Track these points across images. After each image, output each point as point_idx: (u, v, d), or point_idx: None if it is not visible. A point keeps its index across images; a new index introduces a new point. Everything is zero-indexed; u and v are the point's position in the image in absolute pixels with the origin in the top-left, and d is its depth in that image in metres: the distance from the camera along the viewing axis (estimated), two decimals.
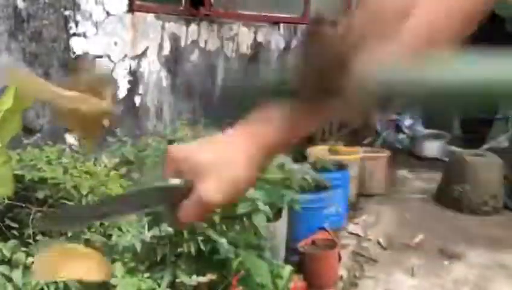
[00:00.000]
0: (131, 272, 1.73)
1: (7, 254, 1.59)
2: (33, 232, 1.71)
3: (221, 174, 0.56)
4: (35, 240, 1.69)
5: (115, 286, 1.65)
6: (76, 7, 2.39)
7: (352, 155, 4.27)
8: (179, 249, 1.94)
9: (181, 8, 3.17)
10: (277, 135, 0.57)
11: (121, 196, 0.56)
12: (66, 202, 1.77)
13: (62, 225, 0.58)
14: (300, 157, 3.85)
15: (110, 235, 1.72)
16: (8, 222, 1.72)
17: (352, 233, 3.75)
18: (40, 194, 1.78)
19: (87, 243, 1.72)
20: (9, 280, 1.54)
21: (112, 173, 1.91)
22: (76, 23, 2.40)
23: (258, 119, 0.58)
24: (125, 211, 0.62)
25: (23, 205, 1.77)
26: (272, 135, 0.57)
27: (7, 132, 1.00)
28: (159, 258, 1.94)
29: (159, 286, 1.77)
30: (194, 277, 1.83)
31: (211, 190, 0.56)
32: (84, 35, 2.44)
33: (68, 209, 0.59)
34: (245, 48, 3.73)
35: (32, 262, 1.58)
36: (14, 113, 1.00)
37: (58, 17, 2.32)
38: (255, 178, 0.59)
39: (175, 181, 0.58)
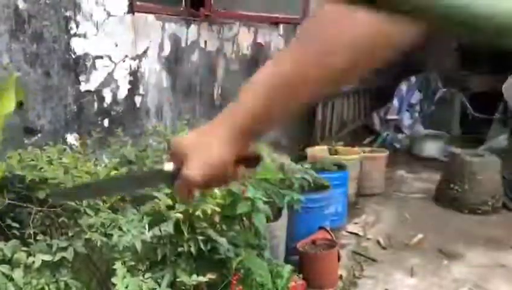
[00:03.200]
0: (131, 271, 1.74)
1: (8, 253, 1.60)
2: (34, 232, 1.72)
3: (199, 156, 0.67)
4: (36, 240, 1.69)
5: (115, 285, 1.66)
6: (77, 8, 2.40)
7: (352, 155, 4.28)
8: (179, 249, 1.95)
9: (181, 9, 3.18)
10: (247, 118, 0.66)
11: (125, 176, 0.75)
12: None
13: (72, 198, 0.72)
14: (300, 157, 3.86)
15: (110, 235, 1.73)
16: (9, 221, 1.73)
17: (351, 233, 3.76)
18: (41, 194, 1.78)
19: (88, 242, 1.73)
20: (10, 279, 1.55)
21: (113, 173, 1.92)
22: (77, 24, 2.41)
23: (233, 106, 0.68)
24: (128, 189, 0.87)
25: (24, 205, 1.77)
26: (242, 118, 0.66)
27: None
28: (159, 258, 1.95)
29: (159, 285, 1.78)
30: (194, 276, 1.84)
31: (191, 169, 0.68)
32: (85, 36, 2.45)
33: (77, 186, 0.74)
34: (245, 49, 3.74)
35: (33, 262, 1.59)
36: None
37: (59, 17, 2.33)
38: (229, 159, 0.68)
39: (169, 166, 0.71)
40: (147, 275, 1.76)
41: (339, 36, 0.62)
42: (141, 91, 2.87)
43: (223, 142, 0.67)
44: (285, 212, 2.80)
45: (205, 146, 0.67)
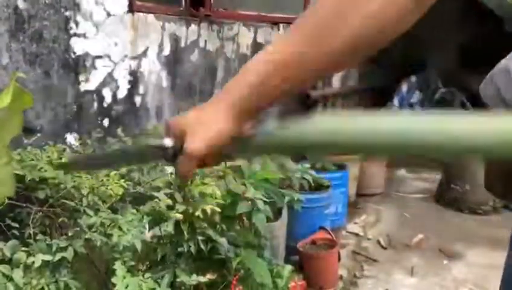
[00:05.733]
0: (131, 271, 1.74)
1: (8, 253, 1.60)
2: (33, 232, 1.71)
3: (200, 130, 0.68)
4: (36, 240, 1.69)
5: (115, 285, 1.66)
6: (76, 7, 2.40)
7: (352, 155, 4.27)
8: (179, 249, 1.95)
9: (181, 9, 3.18)
10: (246, 94, 0.68)
11: (124, 149, 0.74)
12: (66, 202, 1.78)
13: (80, 168, 0.76)
14: (300, 157, 3.86)
15: (110, 235, 1.73)
16: (8, 221, 1.73)
17: (352, 233, 3.76)
18: (41, 194, 1.78)
19: (88, 242, 1.73)
20: (10, 279, 1.54)
21: (112, 173, 1.92)
22: (77, 24, 2.41)
23: (232, 82, 0.70)
24: (127, 162, 0.86)
25: (24, 205, 1.77)
26: (241, 94, 0.68)
27: (8, 132, 0.99)
28: (159, 258, 1.95)
29: (159, 285, 1.78)
30: (194, 276, 1.84)
31: (194, 142, 0.67)
32: (85, 36, 2.45)
33: (85, 156, 0.75)
34: (245, 48, 3.74)
35: (33, 262, 1.59)
36: (15, 112, 0.99)
37: (59, 17, 2.32)
38: (231, 131, 0.68)
39: (169, 142, 0.70)
40: (147, 275, 1.76)
41: (339, 14, 0.63)
42: (141, 91, 2.87)
43: (223, 117, 0.68)
44: (285, 212, 2.80)
45: (206, 121, 0.68)
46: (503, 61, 0.96)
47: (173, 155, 0.70)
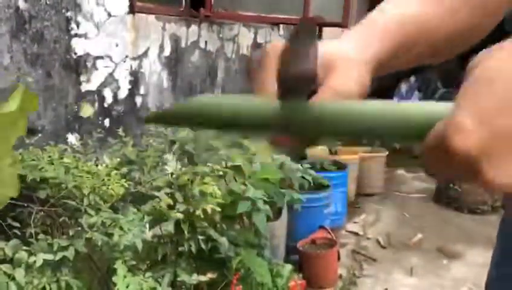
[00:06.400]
0: (132, 271, 1.75)
1: (9, 253, 1.60)
2: (35, 232, 1.72)
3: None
4: (37, 239, 1.70)
5: (116, 284, 1.66)
6: (77, 8, 2.41)
7: (352, 155, 4.28)
8: (180, 248, 1.95)
9: (181, 9, 3.19)
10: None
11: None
12: (67, 201, 1.79)
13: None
14: (300, 157, 3.87)
15: (111, 234, 1.73)
16: (10, 221, 1.74)
17: (351, 232, 3.77)
18: (42, 194, 1.79)
19: (89, 241, 1.74)
20: (12, 278, 1.55)
21: (113, 172, 1.93)
22: (78, 24, 2.42)
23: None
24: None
25: (25, 205, 1.78)
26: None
27: (13, 134, 1.00)
28: (159, 257, 1.95)
29: (160, 284, 1.79)
30: (195, 275, 1.85)
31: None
32: (86, 36, 2.46)
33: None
34: (245, 49, 3.75)
35: (34, 261, 1.60)
36: (20, 115, 1.01)
37: (60, 18, 2.33)
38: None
39: None
40: (148, 274, 1.77)
41: None
42: (142, 91, 2.88)
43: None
44: (285, 211, 2.81)
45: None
46: None
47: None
